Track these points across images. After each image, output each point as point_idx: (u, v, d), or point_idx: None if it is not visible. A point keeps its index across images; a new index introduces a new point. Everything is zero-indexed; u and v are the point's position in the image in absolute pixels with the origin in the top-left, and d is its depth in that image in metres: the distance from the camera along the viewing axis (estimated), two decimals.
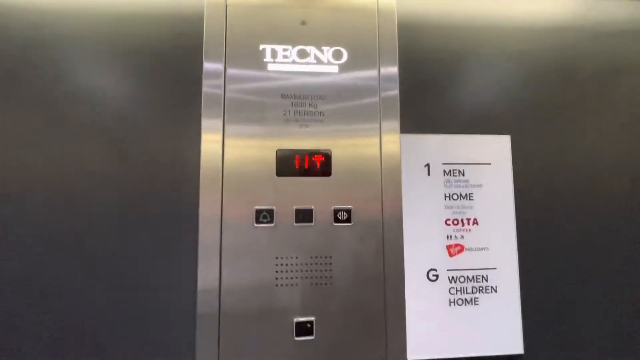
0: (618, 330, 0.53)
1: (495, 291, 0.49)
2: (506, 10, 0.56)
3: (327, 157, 0.47)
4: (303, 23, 0.49)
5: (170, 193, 0.48)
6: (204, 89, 0.47)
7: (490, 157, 0.51)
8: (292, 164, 0.47)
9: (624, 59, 0.58)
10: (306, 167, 0.47)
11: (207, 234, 0.45)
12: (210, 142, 0.46)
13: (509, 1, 0.56)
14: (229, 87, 0.47)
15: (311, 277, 0.46)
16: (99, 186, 0.47)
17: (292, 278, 0.45)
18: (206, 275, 0.44)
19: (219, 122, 0.47)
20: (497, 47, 0.55)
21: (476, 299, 0.49)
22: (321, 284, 0.46)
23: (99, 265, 0.46)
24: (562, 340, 0.52)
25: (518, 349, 0.49)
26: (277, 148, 0.47)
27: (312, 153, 0.47)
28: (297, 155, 0.47)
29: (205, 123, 0.47)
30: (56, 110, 0.47)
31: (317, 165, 0.47)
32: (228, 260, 0.45)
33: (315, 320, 0.45)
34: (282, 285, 0.45)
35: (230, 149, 0.47)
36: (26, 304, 0.44)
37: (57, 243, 0.45)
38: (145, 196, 0.47)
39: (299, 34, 0.49)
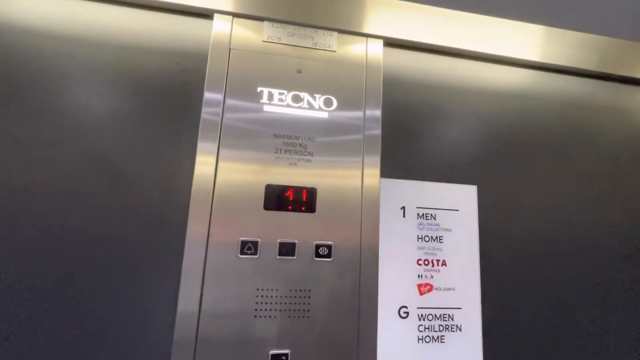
0: None
1: (460, 330, 0.53)
2: (475, 75, 0.64)
3: (312, 194, 0.51)
4: (299, 71, 0.54)
5: (157, 215, 0.49)
6: (203, 115, 0.50)
7: (459, 204, 0.57)
8: (279, 199, 0.50)
9: (573, 125, 0.67)
10: (292, 202, 0.50)
11: (191, 257, 0.46)
12: (204, 164, 0.49)
13: (478, 67, 0.65)
14: (227, 115, 0.50)
15: (289, 310, 0.47)
16: (86, 202, 0.47)
17: (271, 310, 0.47)
18: (187, 299, 0.45)
19: (214, 146, 0.49)
20: (466, 107, 0.63)
21: (442, 337, 0.52)
22: (299, 316, 0.47)
23: (79, 279, 0.45)
24: None
25: None
26: (267, 183, 0.50)
27: (299, 190, 0.50)
28: (284, 191, 0.50)
29: (201, 146, 0.49)
30: (52, 132, 0.48)
31: (302, 201, 0.50)
32: (210, 287, 0.46)
33: (291, 353, 0.46)
34: (260, 316, 0.46)
35: (223, 172, 0.49)
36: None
37: (42, 255, 0.45)
38: (132, 215, 0.48)
39: (294, 80, 0.54)
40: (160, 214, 0.48)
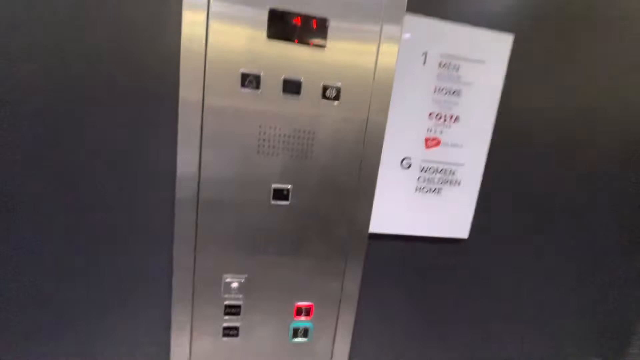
0: (570, 228, 0.62)
1: (459, 185, 0.54)
2: None
3: (323, 24, 0.44)
4: None
5: (149, 54, 0.44)
6: None
7: (488, 54, 0.50)
8: (285, 27, 0.43)
9: None
10: (300, 33, 0.43)
11: (189, 95, 0.43)
12: None
13: None
14: None
15: (292, 149, 0.47)
16: (68, 54, 0.42)
17: (273, 147, 0.46)
18: (187, 131, 0.44)
19: None
20: None
21: (440, 189, 0.53)
22: (301, 156, 0.47)
23: (69, 145, 0.44)
24: (502, 232, 0.60)
25: (464, 234, 0.56)
26: (271, 7, 0.42)
27: (308, 18, 0.43)
28: (292, 19, 0.43)
29: None
30: None
31: (312, 32, 0.44)
32: (210, 121, 0.44)
33: (292, 188, 0.48)
34: (263, 153, 0.46)
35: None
36: None
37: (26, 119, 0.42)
38: (119, 63, 0.43)
39: None
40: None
